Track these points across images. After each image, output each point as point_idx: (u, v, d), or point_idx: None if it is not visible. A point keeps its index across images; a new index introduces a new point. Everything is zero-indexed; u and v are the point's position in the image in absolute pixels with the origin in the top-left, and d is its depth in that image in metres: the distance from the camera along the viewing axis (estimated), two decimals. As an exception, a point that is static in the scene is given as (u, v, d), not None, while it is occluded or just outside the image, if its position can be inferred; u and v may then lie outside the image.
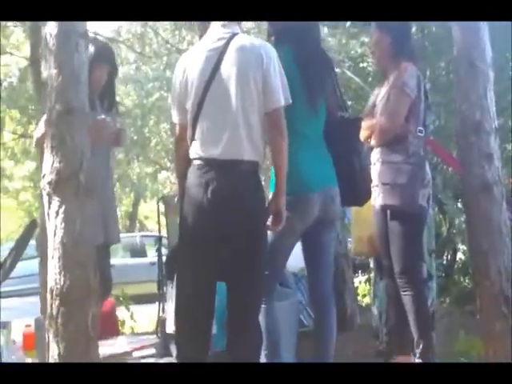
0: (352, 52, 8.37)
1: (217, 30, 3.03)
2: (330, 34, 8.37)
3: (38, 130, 3.74)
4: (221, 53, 2.94)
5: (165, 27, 12.59)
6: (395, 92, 3.62)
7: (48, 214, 2.80)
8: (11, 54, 11.75)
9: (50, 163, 2.77)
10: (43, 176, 2.80)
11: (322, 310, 3.40)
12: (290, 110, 3.01)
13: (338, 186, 3.30)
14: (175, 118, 3.09)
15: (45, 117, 2.99)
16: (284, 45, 3.15)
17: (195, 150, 2.96)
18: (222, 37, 2.99)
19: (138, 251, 13.43)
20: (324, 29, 7.64)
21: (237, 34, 3.01)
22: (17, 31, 11.78)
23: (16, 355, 4.63)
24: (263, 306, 3.12)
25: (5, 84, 11.88)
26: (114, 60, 4.04)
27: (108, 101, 4.01)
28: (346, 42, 8.43)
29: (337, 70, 5.27)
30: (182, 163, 3.04)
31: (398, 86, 3.61)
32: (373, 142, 3.70)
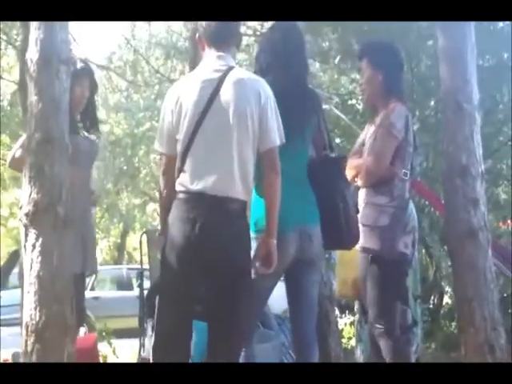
0: (342, 89, 8.38)
1: (212, 61, 2.98)
2: (322, 70, 8.40)
3: (15, 149, 3.67)
4: (217, 85, 2.89)
5: (156, 56, 12.58)
6: (382, 133, 3.57)
7: (25, 247, 2.74)
8: (1, 77, 11.61)
9: (28, 194, 2.71)
10: (20, 207, 2.74)
11: (304, 351, 3.31)
12: None
13: (319, 226, 3.22)
14: (162, 148, 3.00)
15: (23, 137, 2.92)
16: (268, 79, 3.11)
17: (182, 183, 2.88)
18: (219, 69, 2.94)
19: (124, 284, 13.29)
20: (315, 64, 7.65)
21: (233, 67, 2.97)
22: (8, 53, 11.71)
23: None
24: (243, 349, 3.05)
25: (-3, 108, 11.84)
26: (93, 75, 3.99)
27: (90, 120, 3.95)
28: (338, 78, 8.46)
29: (325, 106, 5.24)
30: (170, 195, 2.95)
31: (385, 127, 3.56)
32: (359, 182, 3.66)
